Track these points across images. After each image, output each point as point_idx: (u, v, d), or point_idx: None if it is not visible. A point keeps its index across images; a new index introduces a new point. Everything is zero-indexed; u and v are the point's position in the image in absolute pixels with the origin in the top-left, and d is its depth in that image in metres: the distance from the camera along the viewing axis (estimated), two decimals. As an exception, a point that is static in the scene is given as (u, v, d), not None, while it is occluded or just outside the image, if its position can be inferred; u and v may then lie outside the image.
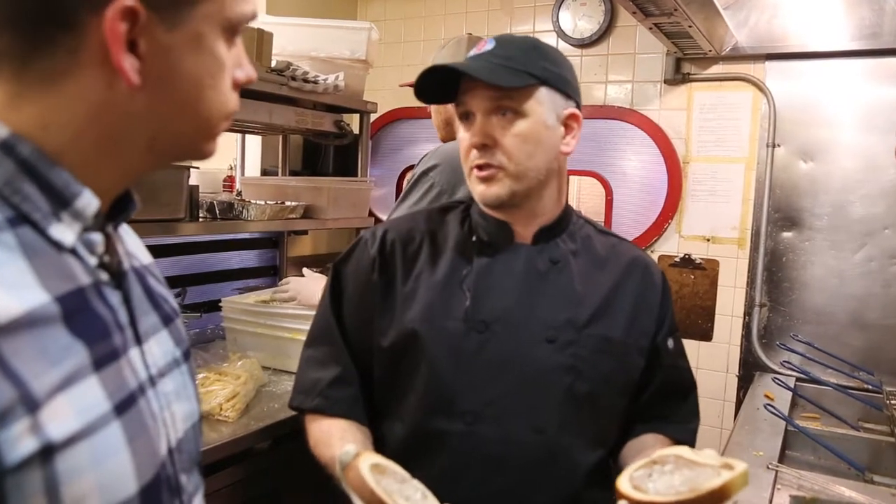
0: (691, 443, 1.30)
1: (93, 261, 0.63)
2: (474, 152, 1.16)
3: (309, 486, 1.94)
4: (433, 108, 2.10)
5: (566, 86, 1.20)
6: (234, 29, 0.66)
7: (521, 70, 1.13)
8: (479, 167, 1.16)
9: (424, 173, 1.79)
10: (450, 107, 2.09)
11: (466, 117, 1.17)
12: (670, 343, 1.29)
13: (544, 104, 1.16)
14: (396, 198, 3.34)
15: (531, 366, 1.17)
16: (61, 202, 0.59)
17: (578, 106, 1.24)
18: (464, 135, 1.18)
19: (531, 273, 1.21)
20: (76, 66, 0.58)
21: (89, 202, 0.61)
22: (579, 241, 1.27)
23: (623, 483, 0.98)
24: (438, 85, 1.17)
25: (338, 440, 1.17)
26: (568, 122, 1.21)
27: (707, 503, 0.90)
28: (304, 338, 2.03)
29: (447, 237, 1.27)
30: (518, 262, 1.21)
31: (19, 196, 0.57)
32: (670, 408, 1.30)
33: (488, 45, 1.16)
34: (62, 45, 0.58)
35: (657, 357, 1.27)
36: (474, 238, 1.24)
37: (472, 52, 1.18)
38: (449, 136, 1.98)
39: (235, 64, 0.68)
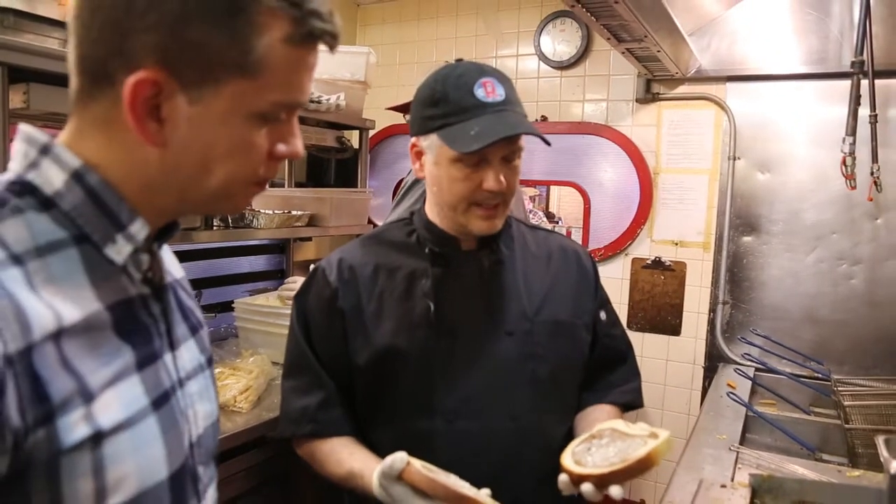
0: (636, 400, 1.33)
1: (138, 276, 0.66)
2: (486, 194, 1.13)
3: (314, 472, 1.97)
4: None
5: None
6: (268, 114, 0.63)
7: (526, 116, 1.15)
8: (490, 207, 1.14)
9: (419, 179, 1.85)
10: None
11: (473, 161, 1.12)
12: (602, 315, 1.31)
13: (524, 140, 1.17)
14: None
15: (496, 359, 1.18)
16: (118, 226, 0.62)
17: None
18: (463, 174, 1.12)
19: (481, 275, 1.21)
20: (118, 117, 0.60)
21: (141, 229, 0.64)
22: (516, 240, 1.28)
23: (566, 459, 1.02)
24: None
25: (347, 455, 1.16)
26: None
27: (637, 470, 0.95)
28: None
29: (399, 254, 1.25)
30: (468, 268, 1.22)
31: (84, 218, 0.61)
32: (611, 373, 1.33)
33: (500, 92, 1.12)
34: (108, 97, 0.60)
35: (594, 328, 1.30)
36: (427, 250, 1.23)
37: (483, 96, 1.11)
38: None
39: (279, 139, 0.66)
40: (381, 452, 1.15)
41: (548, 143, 1.16)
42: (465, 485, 1.01)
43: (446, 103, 1.12)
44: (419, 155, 1.20)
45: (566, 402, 1.26)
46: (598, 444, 1.03)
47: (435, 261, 1.22)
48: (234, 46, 0.59)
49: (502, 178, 1.12)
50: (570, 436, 1.24)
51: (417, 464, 0.99)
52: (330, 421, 1.22)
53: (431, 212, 1.25)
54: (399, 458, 0.98)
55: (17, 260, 0.55)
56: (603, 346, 1.32)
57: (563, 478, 1.00)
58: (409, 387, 1.18)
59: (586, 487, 0.97)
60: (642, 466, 0.95)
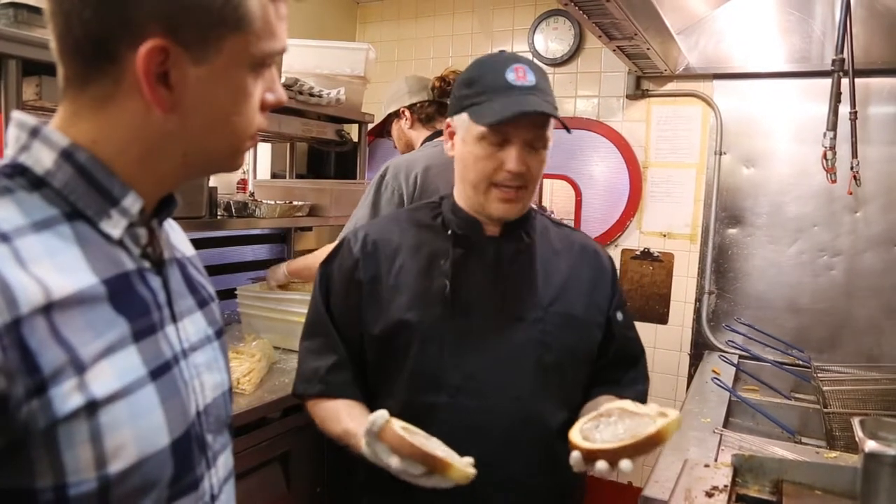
0: (641, 402, 1.33)
1: (137, 251, 0.66)
2: (506, 175, 1.14)
3: (314, 451, 2.00)
4: (396, 132, 2.26)
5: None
6: (261, 63, 0.66)
7: (555, 107, 1.15)
8: (506, 188, 1.15)
9: (381, 177, 1.96)
10: (412, 133, 2.20)
11: (496, 141, 1.14)
12: (619, 316, 1.31)
13: (551, 132, 1.18)
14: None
15: (505, 342, 1.18)
16: (111, 201, 0.62)
17: None
18: (486, 152, 1.15)
19: (500, 261, 1.21)
20: (119, 92, 0.60)
21: (134, 202, 0.64)
22: (538, 233, 1.28)
23: (574, 434, 1.01)
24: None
25: (345, 415, 1.16)
26: None
27: (646, 447, 0.94)
28: (311, 321, 2.09)
29: (422, 233, 1.26)
30: (488, 252, 1.22)
31: (76, 195, 0.61)
32: (621, 373, 1.32)
33: (530, 78, 1.13)
34: (108, 75, 0.60)
35: (609, 329, 1.29)
36: (449, 232, 1.23)
37: (514, 80, 1.13)
38: (406, 150, 2.23)
39: (267, 88, 0.68)
40: None
41: (568, 131, 1.16)
42: (443, 448, 1.01)
43: (479, 84, 1.16)
44: (452, 135, 1.22)
45: (568, 392, 1.25)
46: (607, 422, 1.02)
47: (457, 242, 1.23)
48: (227, 3, 0.61)
49: (523, 162, 1.14)
50: (568, 425, 1.24)
51: (397, 424, 0.98)
52: (338, 383, 1.23)
53: (458, 194, 1.26)
54: (379, 415, 0.98)
55: (3, 238, 0.55)
56: (617, 347, 1.31)
57: (575, 454, 0.99)
58: (418, 360, 1.18)
59: (600, 464, 0.97)
60: (653, 442, 0.94)
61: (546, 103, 1.13)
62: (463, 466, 0.97)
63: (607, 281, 1.31)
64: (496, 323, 1.19)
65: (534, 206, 1.33)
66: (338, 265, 1.28)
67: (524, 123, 1.12)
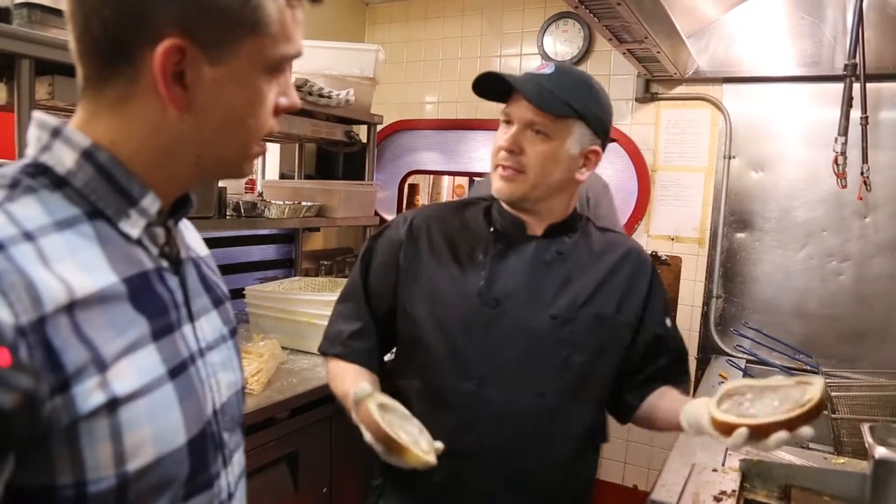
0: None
1: (155, 250, 0.67)
2: (503, 153, 1.19)
3: (322, 451, 2.00)
4: None
5: (599, 126, 1.21)
6: (276, 66, 0.66)
7: (563, 100, 1.15)
8: (503, 167, 1.20)
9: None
10: None
11: (507, 122, 1.20)
12: (668, 322, 1.32)
13: (573, 135, 1.18)
14: (398, 199, 3.40)
15: (534, 339, 1.19)
16: (130, 201, 0.63)
17: (604, 145, 1.25)
18: (500, 134, 1.21)
19: (539, 261, 1.23)
20: (137, 92, 0.61)
21: (153, 202, 0.65)
22: (581, 234, 1.30)
23: (723, 415, 0.97)
24: (498, 87, 1.19)
25: (351, 379, 1.22)
26: (588, 156, 1.22)
27: (812, 415, 0.93)
28: (318, 322, 2.10)
29: (468, 226, 1.29)
30: (528, 252, 1.24)
31: (96, 195, 0.61)
32: (675, 370, 1.33)
33: (547, 70, 1.18)
34: (125, 75, 0.61)
35: (664, 333, 1.30)
36: (492, 229, 1.27)
37: (531, 71, 1.20)
38: None
39: (280, 92, 0.68)
40: (410, 401, 1.19)
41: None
42: (412, 432, 1.03)
43: None
44: None
45: (594, 393, 1.25)
46: (747, 399, 0.99)
47: (497, 238, 1.26)
48: (245, 6, 0.61)
49: (514, 141, 1.17)
50: (589, 428, 1.26)
51: (374, 401, 1.02)
52: (356, 349, 1.30)
53: None
54: (360, 388, 1.04)
55: (28, 236, 0.55)
56: (674, 348, 1.32)
57: (742, 431, 0.95)
58: (446, 345, 1.21)
59: (779, 434, 0.94)
60: (817, 410, 0.93)
61: (544, 88, 1.15)
62: (421, 453, 0.99)
63: (644, 285, 1.29)
64: (527, 318, 1.20)
65: (584, 215, 1.35)
66: (384, 242, 1.33)
67: (523, 105, 1.16)
